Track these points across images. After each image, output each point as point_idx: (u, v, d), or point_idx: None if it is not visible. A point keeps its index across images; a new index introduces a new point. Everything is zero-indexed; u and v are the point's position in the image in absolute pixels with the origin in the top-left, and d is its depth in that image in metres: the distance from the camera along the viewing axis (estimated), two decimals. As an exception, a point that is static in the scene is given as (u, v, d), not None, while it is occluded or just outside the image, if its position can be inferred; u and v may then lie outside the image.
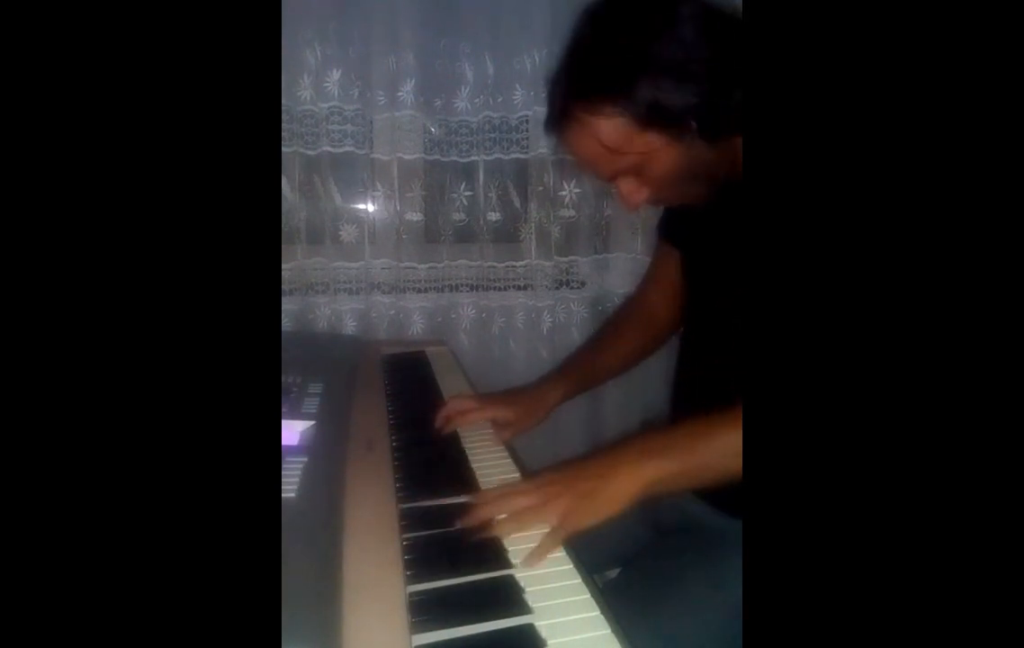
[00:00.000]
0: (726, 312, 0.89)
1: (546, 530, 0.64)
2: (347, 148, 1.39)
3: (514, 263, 1.53)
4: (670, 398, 1.04)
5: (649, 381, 1.39)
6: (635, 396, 1.51)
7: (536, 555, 0.61)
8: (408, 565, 0.60)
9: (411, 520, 0.67)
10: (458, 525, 0.64)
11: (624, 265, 1.57)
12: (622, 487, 0.67)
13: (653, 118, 0.71)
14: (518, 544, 0.64)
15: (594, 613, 0.55)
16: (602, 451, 0.72)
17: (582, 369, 1.08)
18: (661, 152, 0.74)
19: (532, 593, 0.57)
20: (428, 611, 0.54)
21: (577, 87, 0.74)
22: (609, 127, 0.72)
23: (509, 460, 0.84)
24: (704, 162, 0.75)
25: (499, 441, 0.89)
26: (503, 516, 0.65)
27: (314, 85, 1.35)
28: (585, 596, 0.57)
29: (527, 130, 1.45)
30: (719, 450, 0.68)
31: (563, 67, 0.77)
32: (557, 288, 1.55)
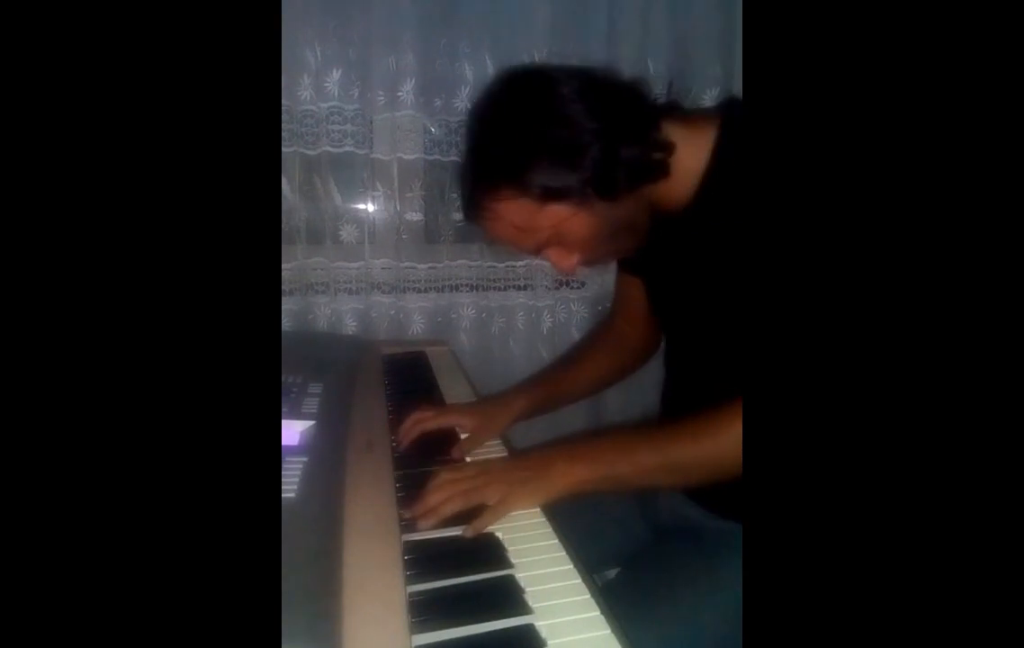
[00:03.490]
0: (695, 333, 0.92)
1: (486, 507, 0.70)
2: (347, 148, 1.39)
3: (514, 263, 1.53)
4: (659, 407, 1.05)
5: (649, 383, 1.39)
6: (635, 398, 1.51)
7: (476, 526, 0.68)
8: (408, 565, 0.60)
9: (411, 520, 0.67)
10: (407, 516, 0.69)
11: (624, 265, 1.57)
12: (553, 482, 0.74)
13: (549, 195, 0.75)
14: (518, 545, 0.64)
15: (594, 613, 0.55)
16: (541, 449, 0.79)
17: (547, 387, 1.07)
18: (571, 220, 0.77)
19: (532, 593, 0.57)
20: (428, 611, 0.54)
21: (477, 179, 0.80)
22: (513, 210, 0.77)
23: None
24: (616, 218, 0.78)
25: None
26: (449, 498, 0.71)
27: (314, 85, 1.35)
28: (585, 596, 0.57)
29: (527, 130, 1.45)
30: (638, 465, 0.77)
31: (464, 164, 0.83)
32: (557, 288, 1.55)
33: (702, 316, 0.89)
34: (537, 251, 0.82)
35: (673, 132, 0.79)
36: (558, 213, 0.76)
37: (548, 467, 0.75)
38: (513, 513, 0.70)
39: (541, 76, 0.79)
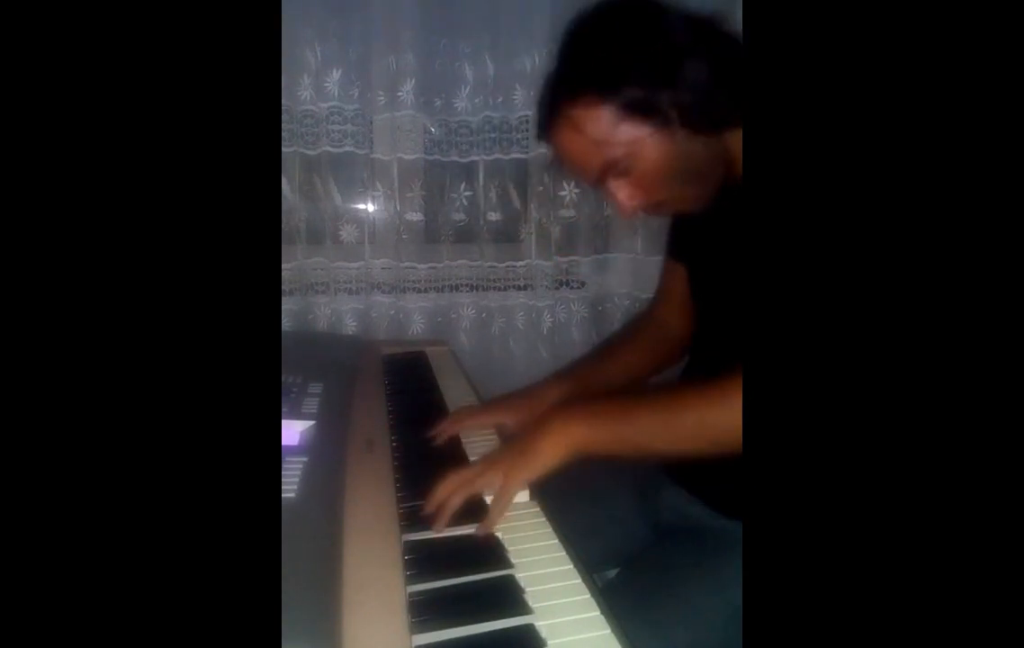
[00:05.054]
0: (730, 322, 0.89)
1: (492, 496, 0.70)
2: (347, 148, 1.39)
3: (514, 263, 1.53)
4: None
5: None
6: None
7: (486, 524, 0.66)
8: (408, 565, 0.60)
9: (411, 520, 0.67)
10: (422, 517, 0.68)
11: (624, 265, 1.57)
12: (550, 444, 0.73)
13: (635, 107, 0.74)
14: (518, 544, 0.64)
15: (594, 613, 0.55)
16: (534, 421, 0.78)
17: (585, 376, 1.06)
18: (646, 144, 0.76)
19: (532, 593, 0.57)
20: (428, 611, 0.54)
21: (564, 86, 0.78)
22: (593, 118, 0.75)
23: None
24: (691, 158, 0.77)
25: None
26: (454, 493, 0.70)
27: (314, 85, 1.35)
28: (585, 596, 0.57)
29: (527, 130, 1.45)
30: (639, 426, 0.75)
31: (552, 72, 0.82)
32: (557, 288, 1.55)
33: (742, 298, 0.85)
34: (603, 176, 0.80)
35: None
36: (637, 132, 0.75)
37: (543, 431, 0.74)
38: (515, 506, 0.70)
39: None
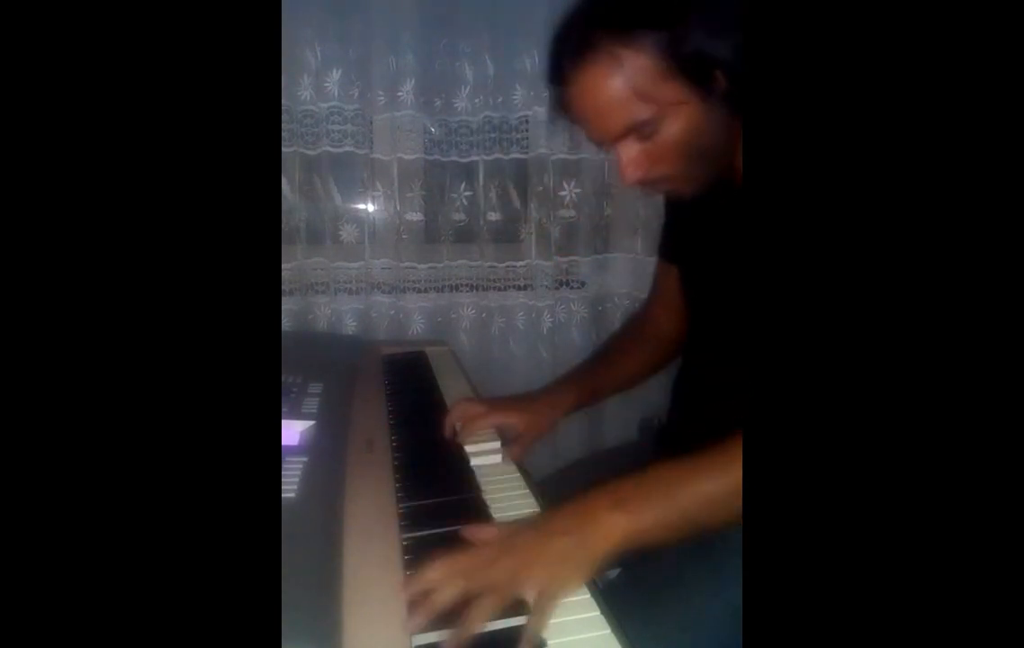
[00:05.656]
0: (723, 323, 0.89)
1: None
2: (347, 148, 1.39)
3: (514, 263, 1.54)
4: (669, 407, 1.04)
5: (649, 384, 1.39)
6: (635, 398, 1.51)
7: (536, 623, 0.52)
8: (408, 565, 0.60)
9: (411, 520, 0.67)
10: (418, 618, 0.52)
11: (624, 265, 1.57)
12: (597, 544, 0.59)
13: (686, 64, 0.67)
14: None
15: (594, 613, 0.55)
16: (571, 502, 0.62)
17: (591, 382, 1.06)
18: (679, 111, 0.69)
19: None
20: (428, 611, 0.54)
21: (610, 16, 0.69)
22: (639, 65, 0.67)
23: (509, 459, 0.84)
24: (716, 137, 0.73)
25: (509, 457, 0.85)
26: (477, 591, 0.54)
27: (314, 85, 1.35)
28: (585, 596, 0.57)
29: (527, 130, 1.45)
30: (699, 499, 0.63)
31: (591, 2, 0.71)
32: (557, 288, 1.55)
33: (734, 298, 0.84)
34: (620, 134, 0.72)
35: None
36: (675, 94, 0.68)
37: (587, 526, 0.60)
38: (515, 506, 0.68)
39: None
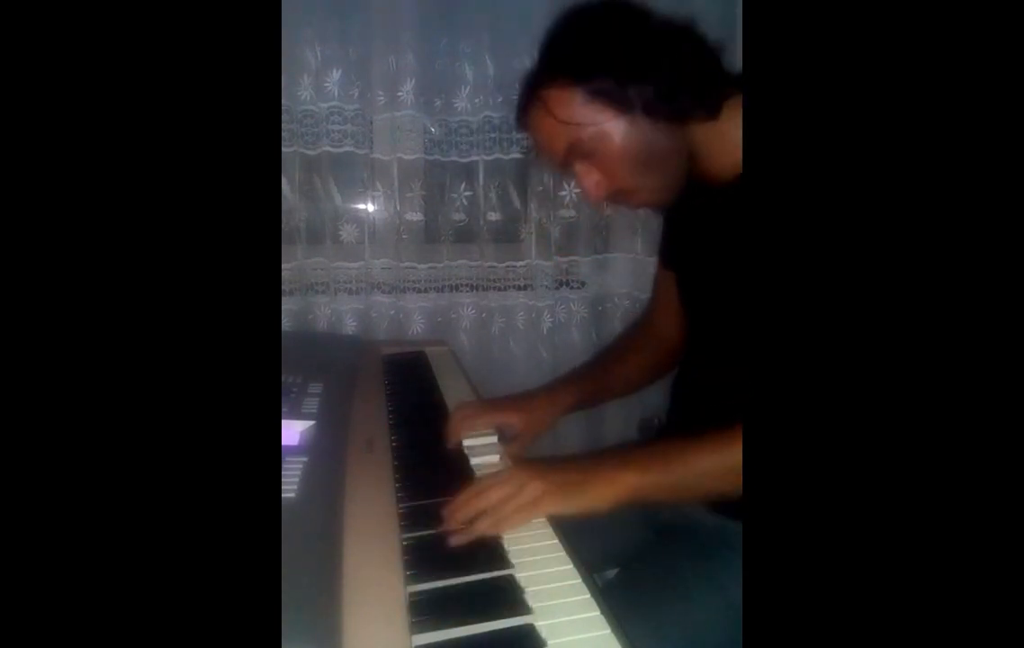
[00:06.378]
0: (720, 325, 0.90)
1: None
2: (347, 148, 1.39)
3: (514, 263, 1.53)
4: (668, 408, 1.04)
5: (648, 388, 1.39)
6: (635, 397, 1.51)
7: (509, 517, 0.65)
8: (408, 565, 0.60)
9: (411, 520, 0.67)
10: (438, 529, 0.65)
11: (624, 265, 1.57)
12: (601, 490, 0.70)
13: (601, 94, 0.79)
14: (519, 544, 0.64)
15: (594, 613, 0.55)
16: (585, 456, 0.76)
17: (591, 383, 1.07)
18: (609, 128, 0.80)
19: (532, 593, 0.57)
20: (428, 611, 0.54)
21: (541, 74, 0.85)
22: (562, 100, 0.81)
23: (509, 459, 0.84)
24: (652, 145, 0.81)
25: (508, 456, 0.86)
26: (482, 512, 0.66)
27: (314, 85, 1.35)
28: (585, 596, 0.57)
29: (527, 130, 1.45)
30: (699, 470, 0.73)
31: (532, 65, 0.89)
32: (557, 288, 1.55)
33: (727, 300, 0.88)
34: (568, 157, 0.84)
35: (729, 104, 0.81)
36: (601, 115, 0.80)
37: (595, 474, 0.71)
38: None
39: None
